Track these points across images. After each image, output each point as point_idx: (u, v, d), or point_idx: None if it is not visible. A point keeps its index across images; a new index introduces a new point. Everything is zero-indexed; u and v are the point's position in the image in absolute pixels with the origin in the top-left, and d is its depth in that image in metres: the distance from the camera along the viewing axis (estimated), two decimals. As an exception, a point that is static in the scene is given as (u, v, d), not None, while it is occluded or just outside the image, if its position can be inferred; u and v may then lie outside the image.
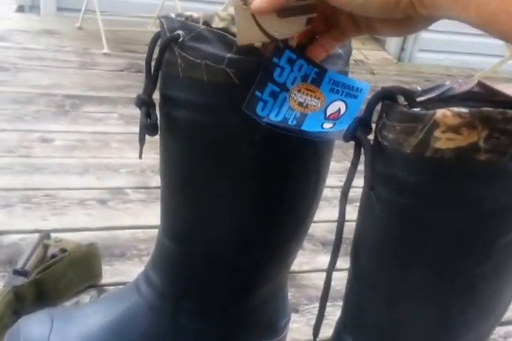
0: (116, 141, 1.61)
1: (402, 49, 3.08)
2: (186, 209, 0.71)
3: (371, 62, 2.92)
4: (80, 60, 2.30)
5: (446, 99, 0.51)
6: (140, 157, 0.69)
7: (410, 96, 0.49)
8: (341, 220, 0.56)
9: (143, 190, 1.35)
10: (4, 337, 0.76)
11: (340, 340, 0.64)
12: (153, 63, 0.65)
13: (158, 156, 1.50)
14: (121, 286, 0.86)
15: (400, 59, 3.09)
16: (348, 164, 0.64)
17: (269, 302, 0.80)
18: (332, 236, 1.15)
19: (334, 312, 0.99)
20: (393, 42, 3.09)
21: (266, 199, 0.70)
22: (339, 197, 0.56)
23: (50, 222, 1.16)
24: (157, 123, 0.66)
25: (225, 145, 0.65)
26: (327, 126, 0.57)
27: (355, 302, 0.63)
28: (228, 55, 0.60)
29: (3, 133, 1.55)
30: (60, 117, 1.72)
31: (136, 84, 2.10)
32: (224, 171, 0.67)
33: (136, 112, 1.80)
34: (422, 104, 0.50)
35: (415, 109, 0.49)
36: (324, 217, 1.10)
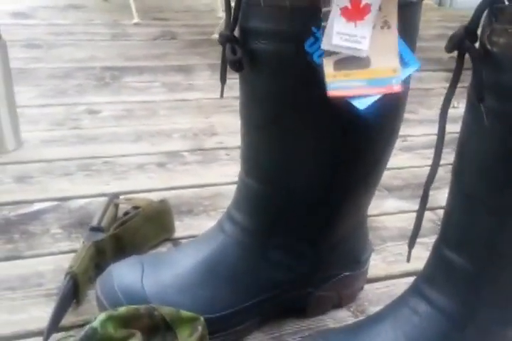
0: (164, 108, 1.69)
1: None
2: (270, 147, 0.77)
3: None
4: (111, 31, 2.39)
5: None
6: (221, 96, 0.74)
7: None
8: (441, 134, 0.60)
9: (199, 152, 1.44)
10: (96, 285, 0.85)
11: (442, 258, 0.70)
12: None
13: (208, 120, 1.60)
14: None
15: (440, 3, 3.08)
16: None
17: (352, 236, 0.88)
18: (395, 182, 1.24)
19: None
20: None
21: (349, 133, 0.75)
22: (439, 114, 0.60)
23: (113, 186, 1.25)
24: (242, 59, 0.70)
25: (310, 77, 0.67)
26: None
27: (458, 220, 0.67)
28: None
29: (49, 107, 1.64)
30: (103, 89, 1.81)
31: (172, 51, 2.19)
32: (308, 106, 0.71)
33: (177, 79, 1.89)
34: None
35: None
36: (387, 165, 1.19)
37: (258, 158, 0.80)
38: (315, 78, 0.66)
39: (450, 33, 0.57)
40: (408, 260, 0.70)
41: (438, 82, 1.97)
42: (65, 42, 2.21)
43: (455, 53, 0.58)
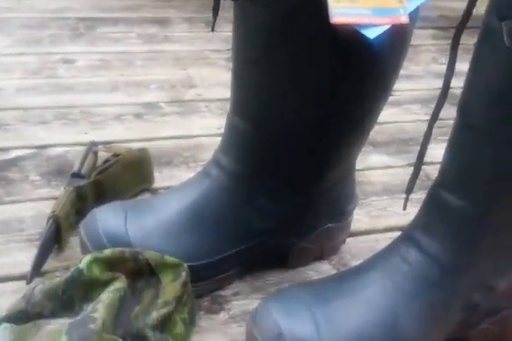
0: (140, 59, 1.69)
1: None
2: (261, 83, 0.78)
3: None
4: (84, -17, 2.36)
5: None
6: (212, 29, 0.74)
7: None
8: (449, 73, 0.61)
9: (177, 104, 1.45)
10: (80, 228, 0.86)
11: (439, 201, 0.71)
12: None
13: (185, 72, 1.60)
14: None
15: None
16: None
17: (339, 185, 0.89)
18: (380, 137, 1.26)
19: (393, 205, 1.11)
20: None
21: (342, 81, 0.76)
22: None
23: (91, 136, 1.25)
24: None
25: (309, 7, 0.66)
26: None
27: (461, 157, 0.68)
28: None
29: (23, 56, 1.63)
30: (77, 39, 1.80)
31: (147, 3, 2.17)
32: (303, 40, 0.71)
33: (153, 31, 1.88)
34: None
35: None
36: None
37: (248, 95, 0.80)
38: (314, 9, 0.65)
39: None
40: (405, 207, 0.72)
41: (425, 39, 1.97)
42: (38, -7, 2.19)
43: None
